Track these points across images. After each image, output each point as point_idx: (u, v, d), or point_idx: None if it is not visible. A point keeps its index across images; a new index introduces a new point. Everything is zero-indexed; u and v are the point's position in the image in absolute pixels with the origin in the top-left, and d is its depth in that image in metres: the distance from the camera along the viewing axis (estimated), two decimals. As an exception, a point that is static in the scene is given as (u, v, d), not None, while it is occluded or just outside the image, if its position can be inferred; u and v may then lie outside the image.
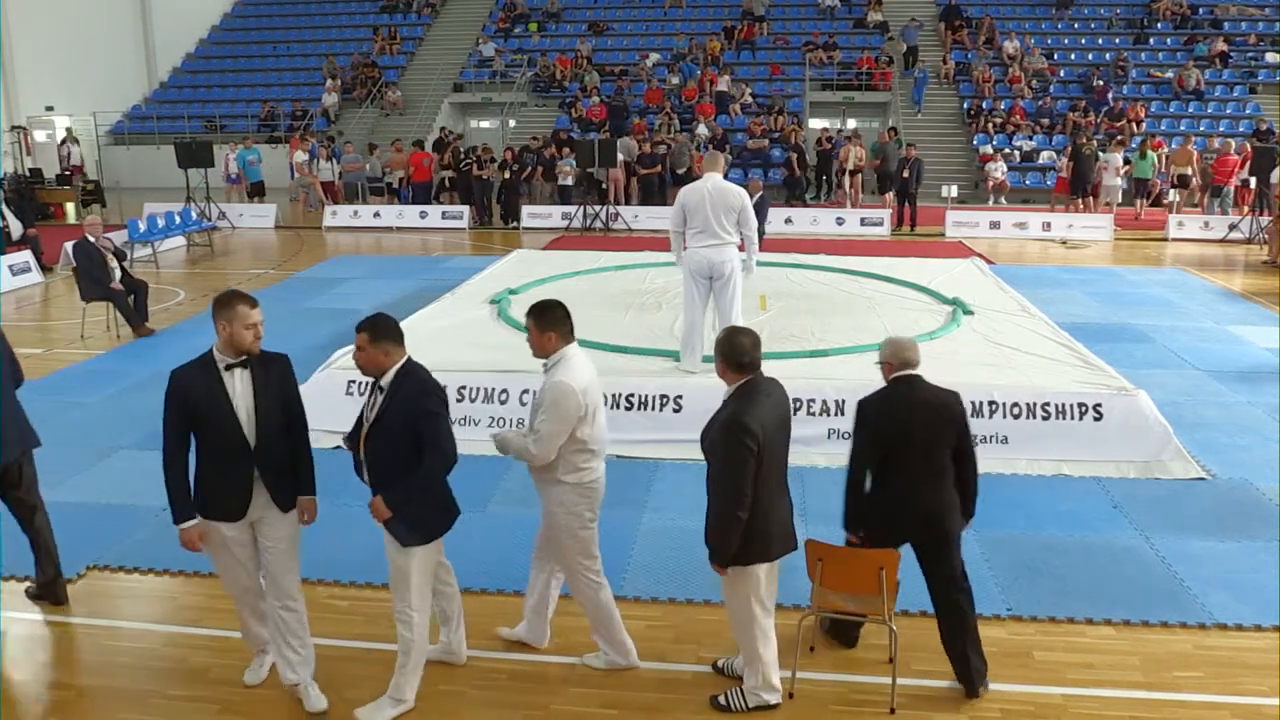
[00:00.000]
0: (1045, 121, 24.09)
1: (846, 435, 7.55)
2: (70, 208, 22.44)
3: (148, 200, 20.79)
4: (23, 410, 5.40)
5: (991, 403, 7.56)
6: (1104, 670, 4.83)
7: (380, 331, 4.26)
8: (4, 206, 15.83)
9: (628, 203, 20.73)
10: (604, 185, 20.38)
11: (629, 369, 8.28)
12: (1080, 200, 19.98)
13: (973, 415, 7.44)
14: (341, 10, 31.93)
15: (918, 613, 5.34)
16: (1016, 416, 7.52)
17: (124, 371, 9.80)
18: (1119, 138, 21.51)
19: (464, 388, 7.95)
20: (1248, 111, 23.95)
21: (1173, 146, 21.46)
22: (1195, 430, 7.99)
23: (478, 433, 7.76)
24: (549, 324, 4.47)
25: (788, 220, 19.13)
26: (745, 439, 4.06)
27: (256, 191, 22.16)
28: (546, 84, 27.32)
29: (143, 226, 16.64)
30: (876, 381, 7.79)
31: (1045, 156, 23.03)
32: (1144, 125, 23.53)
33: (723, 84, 25.41)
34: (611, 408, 7.79)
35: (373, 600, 5.50)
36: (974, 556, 5.95)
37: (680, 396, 7.79)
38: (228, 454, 4.26)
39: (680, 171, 20.72)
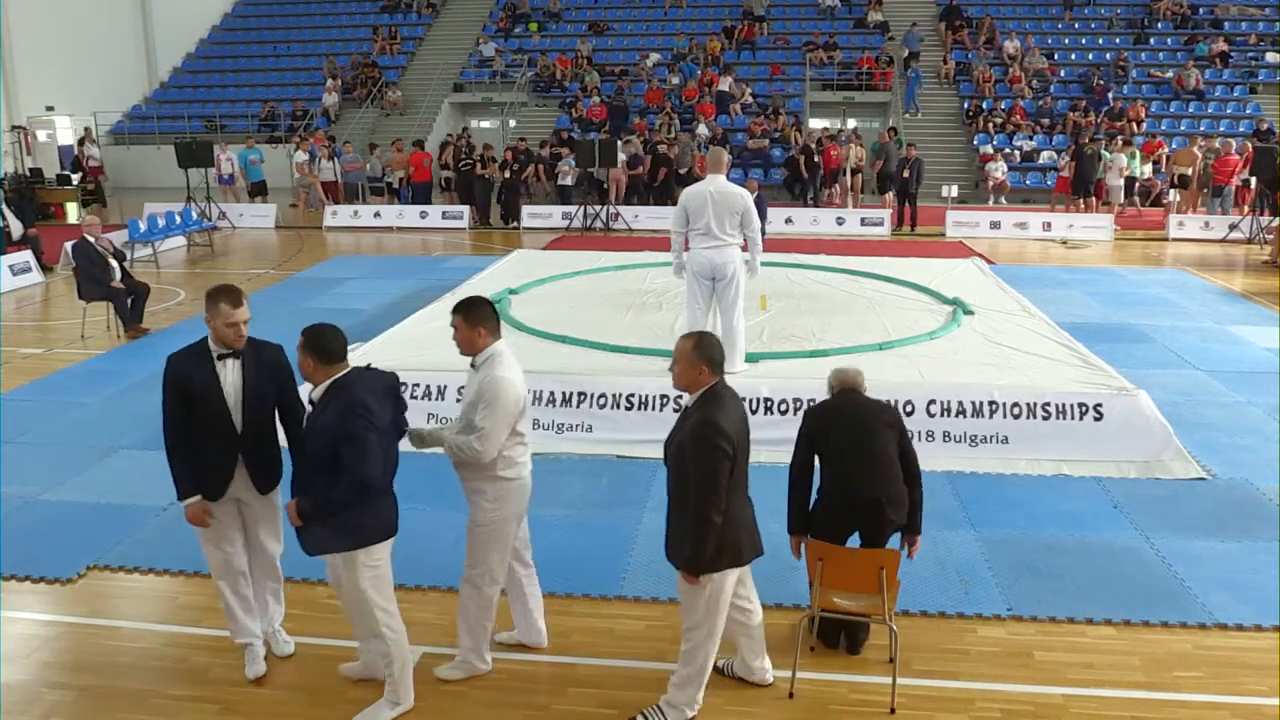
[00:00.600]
0: (1045, 121, 24.09)
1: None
2: (71, 208, 22.44)
3: (148, 200, 20.80)
4: None
5: (992, 403, 7.56)
6: (1104, 670, 4.83)
7: (315, 347, 4.22)
8: (4, 206, 15.83)
9: (637, 202, 20.75)
10: (605, 185, 20.38)
11: (629, 369, 8.28)
12: (1082, 200, 19.97)
13: (973, 415, 7.52)
14: (341, 10, 31.93)
15: (918, 613, 5.35)
16: (1017, 416, 7.52)
17: (124, 371, 9.81)
18: (1123, 138, 21.50)
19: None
20: (1248, 111, 23.94)
21: (1174, 146, 21.47)
22: (1195, 430, 7.98)
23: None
24: (478, 319, 4.43)
25: (788, 220, 19.12)
26: (721, 442, 4.02)
27: (258, 191, 22.17)
28: (547, 84, 27.33)
29: (143, 226, 16.64)
30: (877, 381, 7.83)
31: (1045, 156, 23.04)
32: (1144, 125, 23.52)
33: (723, 84, 25.41)
34: (612, 408, 7.80)
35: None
36: (974, 556, 5.96)
37: (681, 397, 7.77)
38: (214, 437, 4.46)
39: (682, 171, 20.73)
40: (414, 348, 8.96)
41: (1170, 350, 10.44)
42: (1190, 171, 20.00)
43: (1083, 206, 19.92)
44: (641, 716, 4.39)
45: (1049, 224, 18.91)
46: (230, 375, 4.45)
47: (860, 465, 4.73)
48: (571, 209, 19.88)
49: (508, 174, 20.47)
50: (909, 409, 7.57)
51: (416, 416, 7.84)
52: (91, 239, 11.14)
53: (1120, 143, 20.98)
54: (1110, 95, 24.33)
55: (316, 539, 4.22)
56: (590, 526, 6.41)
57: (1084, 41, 27.24)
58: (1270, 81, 24.96)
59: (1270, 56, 25.61)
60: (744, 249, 8.11)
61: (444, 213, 20.25)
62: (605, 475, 7.20)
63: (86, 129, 25.87)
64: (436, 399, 7.93)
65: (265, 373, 4.54)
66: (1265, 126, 21.53)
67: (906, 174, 19.15)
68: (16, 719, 4.51)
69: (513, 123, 25.86)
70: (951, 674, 4.79)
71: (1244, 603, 5.41)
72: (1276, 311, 12.22)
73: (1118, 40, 27.13)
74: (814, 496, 4.88)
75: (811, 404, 7.57)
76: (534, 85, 27.39)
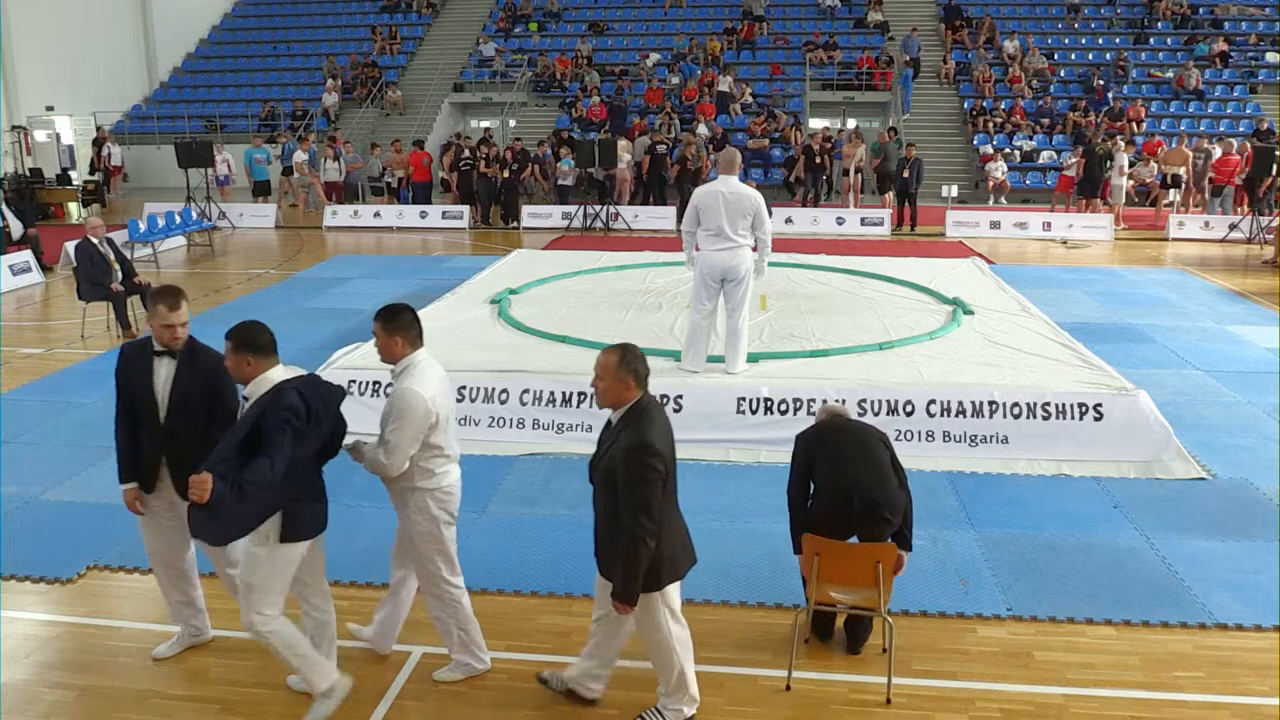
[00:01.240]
0: (1046, 121, 24.10)
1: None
2: (72, 207, 22.45)
3: (148, 200, 20.80)
4: None
5: (992, 403, 7.56)
6: (1104, 670, 4.83)
7: (243, 341, 4.22)
8: (4, 206, 15.83)
9: (644, 202, 20.74)
10: (608, 185, 20.37)
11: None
12: (1088, 200, 19.95)
13: (973, 415, 7.52)
14: (341, 10, 31.93)
15: (918, 613, 5.35)
16: (1017, 416, 7.52)
17: (124, 371, 9.80)
18: (1123, 138, 21.50)
19: (464, 387, 7.95)
20: (1248, 111, 23.95)
21: (1173, 146, 21.46)
22: (1196, 430, 7.98)
23: (478, 433, 7.78)
24: (396, 328, 4.36)
25: (788, 220, 19.12)
26: (654, 461, 3.88)
27: (262, 190, 22.16)
28: (547, 84, 27.33)
29: (143, 226, 16.64)
30: (877, 381, 7.84)
31: (1045, 156, 23.04)
32: (1144, 125, 23.52)
33: (723, 84, 25.41)
34: (612, 408, 7.79)
35: (373, 600, 5.48)
36: (974, 556, 5.96)
37: (680, 396, 7.78)
38: (145, 429, 4.60)
39: (692, 170, 20.67)
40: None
41: (1170, 350, 10.44)
42: (1183, 171, 20.00)
43: (1089, 206, 19.90)
44: (641, 718, 4.39)
45: (1049, 224, 18.91)
46: (163, 373, 4.55)
47: (858, 470, 4.73)
48: (571, 209, 19.88)
49: (507, 174, 20.47)
50: (909, 409, 7.58)
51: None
52: (95, 240, 11.13)
53: (1128, 143, 20.95)
54: (1110, 95, 24.33)
55: (225, 520, 4.07)
56: (590, 526, 6.31)
57: (1084, 41, 27.25)
58: (1270, 81, 24.96)
59: (1270, 56, 25.62)
60: (753, 249, 8.10)
61: (444, 213, 20.26)
62: (605, 475, 7.20)
63: (100, 128, 25.93)
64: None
65: (196, 375, 4.59)
66: (1265, 126, 21.54)
67: (907, 174, 19.14)
68: (16, 719, 4.51)
69: (513, 123, 25.86)
70: (951, 674, 4.80)
71: (1244, 603, 5.41)
72: (1276, 311, 12.22)
73: (1118, 40, 27.14)
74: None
75: (813, 401, 7.65)
76: (534, 85, 27.39)
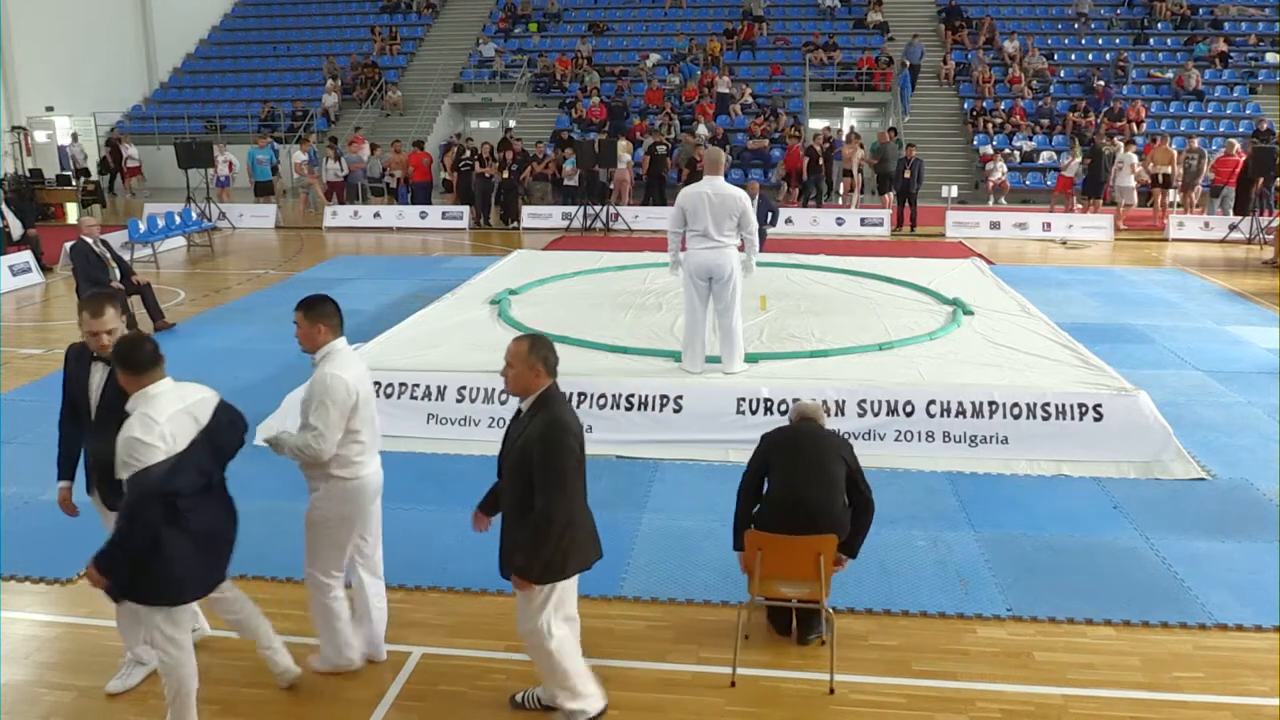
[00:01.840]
0: (1045, 122, 24.10)
1: (847, 435, 7.58)
2: (71, 208, 22.44)
3: (149, 200, 20.79)
4: None
5: (991, 403, 7.56)
6: (1104, 671, 4.82)
7: (120, 357, 4.10)
8: (4, 206, 15.82)
9: (644, 203, 20.75)
10: (609, 186, 20.38)
11: (629, 369, 8.28)
12: (1093, 200, 19.95)
13: (973, 415, 7.52)
14: (341, 10, 31.93)
15: (918, 613, 5.35)
16: (1016, 417, 7.51)
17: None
18: (1122, 138, 21.50)
19: (464, 388, 7.95)
20: (1248, 112, 23.95)
21: (1172, 146, 21.46)
22: (1195, 430, 7.98)
23: (478, 433, 7.77)
24: (318, 316, 4.41)
25: (788, 220, 19.11)
26: (571, 442, 3.92)
27: (264, 191, 22.17)
28: (546, 84, 27.33)
29: (143, 227, 16.64)
30: (877, 382, 7.84)
31: (1045, 157, 23.04)
32: (1144, 125, 23.53)
33: (723, 84, 25.41)
34: (612, 408, 7.80)
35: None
36: (974, 557, 5.96)
37: (680, 397, 7.78)
38: (82, 430, 4.59)
39: (687, 170, 20.73)
40: (414, 348, 8.96)
41: (1170, 350, 10.44)
42: (1170, 170, 20.00)
43: (1094, 207, 19.88)
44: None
45: (1049, 224, 18.92)
46: (97, 377, 4.53)
47: (809, 486, 4.78)
48: (571, 209, 19.89)
49: (506, 174, 20.48)
50: (909, 409, 7.58)
51: (416, 417, 7.86)
52: (90, 240, 11.12)
53: (1121, 144, 20.95)
54: (1110, 95, 24.33)
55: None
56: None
57: (1084, 42, 27.25)
58: (1270, 82, 24.96)
59: (1270, 57, 25.62)
60: (741, 249, 8.10)
61: (444, 213, 20.25)
62: (605, 476, 7.20)
63: (114, 129, 25.91)
64: (436, 399, 7.93)
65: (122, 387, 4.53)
66: (1265, 127, 21.54)
67: (908, 174, 19.15)
68: (16, 719, 4.51)
69: (512, 123, 25.87)
70: (951, 674, 4.80)
71: (1244, 603, 5.41)
72: (1276, 311, 12.21)
73: (1117, 40, 27.14)
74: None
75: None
76: (534, 86, 27.39)
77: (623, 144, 21.41)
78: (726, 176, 8.25)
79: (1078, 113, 23.92)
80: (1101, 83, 24.66)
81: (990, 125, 24.03)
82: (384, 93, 27.37)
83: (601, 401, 7.81)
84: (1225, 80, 25.28)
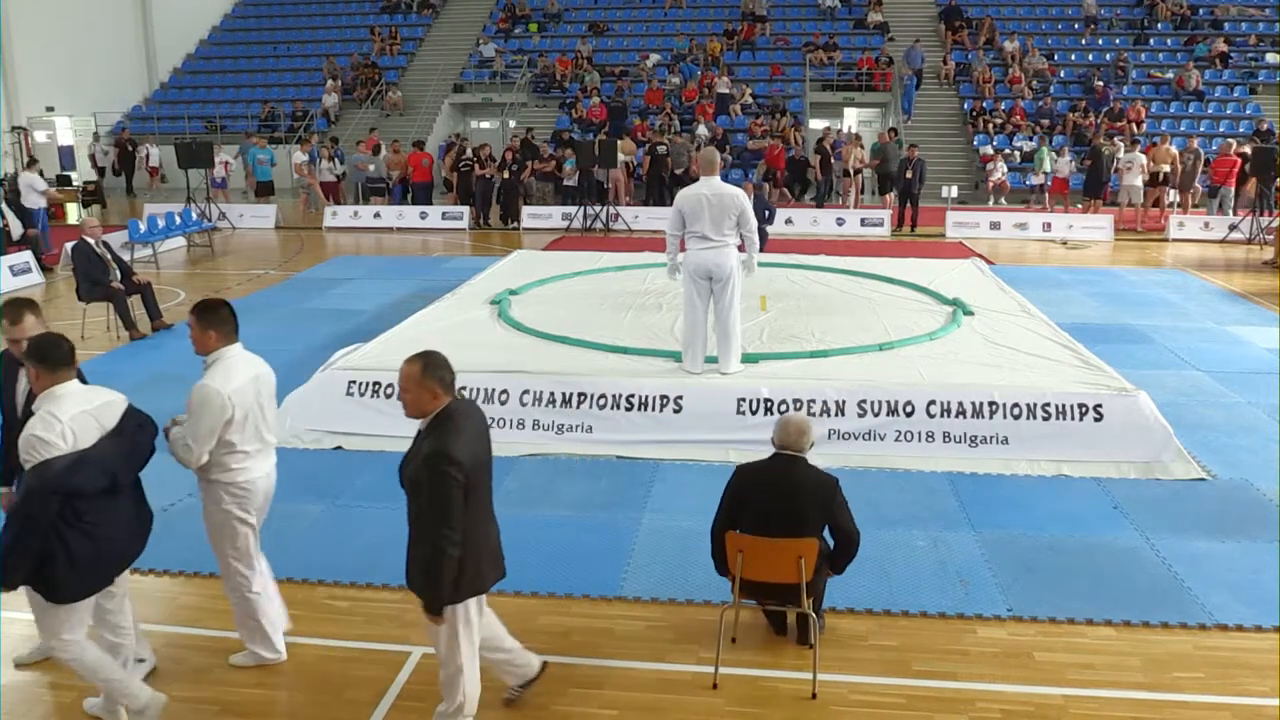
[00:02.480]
0: (1046, 122, 24.10)
1: (847, 436, 7.61)
2: (72, 208, 22.44)
3: (148, 201, 20.79)
4: None
5: (992, 403, 7.56)
6: (1104, 671, 4.82)
7: (33, 353, 4.09)
8: (4, 206, 15.83)
9: (644, 203, 20.75)
10: (606, 186, 20.39)
11: (629, 369, 8.28)
12: (1094, 201, 19.93)
13: (973, 416, 7.52)
14: (341, 11, 31.95)
15: (918, 613, 5.35)
16: (1017, 417, 7.51)
17: (123, 372, 9.78)
18: (1126, 139, 21.50)
19: (464, 388, 7.92)
20: (1248, 112, 23.95)
21: (1173, 146, 21.45)
22: (1196, 431, 7.98)
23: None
24: (209, 322, 4.45)
25: (788, 220, 19.12)
26: (452, 470, 3.78)
27: (265, 191, 22.16)
28: (547, 84, 27.33)
29: (143, 227, 16.64)
30: (877, 382, 7.83)
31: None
32: (1145, 126, 23.53)
33: (723, 85, 25.41)
34: (611, 408, 7.80)
35: (373, 601, 5.50)
36: (974, 557, 5.96)
37: (680, 397, 7.78)
38: (12, 434, 4.59)
39: (679, 171, 20.76)
40: (414, 348, 8.85)
41: (1170, 351, 10.44)
42: (1167, 168, 19.98)
43: (1095, 207, 19.87)
44: None
45: (1049, 224, 18.92)
46: (22, 384, 4.55)
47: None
48: (571, 209, 19.89)
49: (506, 174, 20.48)
50: (909, 410, 7.58)
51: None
52: (91, 240, 11.13)
53: (1122, 145, 20.94)
54: (1110, 96, 24.33)
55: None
56: (590, 527, 6.41)
57: (1084, 42, 27.25)
58: (1270, 82, 24.97)
59: (1270, 57, 25.62)
60: (741, 249, 8.11)
61: (444, 213, 20.25)
62: (605, 476, 7.21)
63: (124, 128, 25.91)
64: (436, 399, 7.92)
65: None
66: (1265, 127, 21.54)
67: (909, 175, 19.15)
68: (16, 720, 4.51)
69: (513, 123, 25.89)
70: (951, 675, 4.80)
71: (1244, 603, 5.41)
72: (1276, 312, 12.21)
73: (1118, 40, 27.14)
74: None
75: (813, 402, 7.66)
76: (534, 86, 27.40)
77: (625, 145, 21.43)
78: (725, 177, 8.24)
79: (1077, 113, 23.92)
80: (1101, 83, 24.66)
81: (990, 125, 24.04)
82: (384, 93, 27.37)
83: (601, 402, 7.80)
84: (1225, 80, 25.29)
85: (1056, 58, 26.60)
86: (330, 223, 20.20)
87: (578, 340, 9.04)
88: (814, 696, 4.61)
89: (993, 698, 4.62)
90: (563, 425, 7.79)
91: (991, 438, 7.48)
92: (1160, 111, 24.50)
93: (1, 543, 3.89)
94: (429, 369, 3.94)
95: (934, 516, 6.50)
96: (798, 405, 7.61)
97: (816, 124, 25.46)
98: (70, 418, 3.98)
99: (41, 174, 18.23)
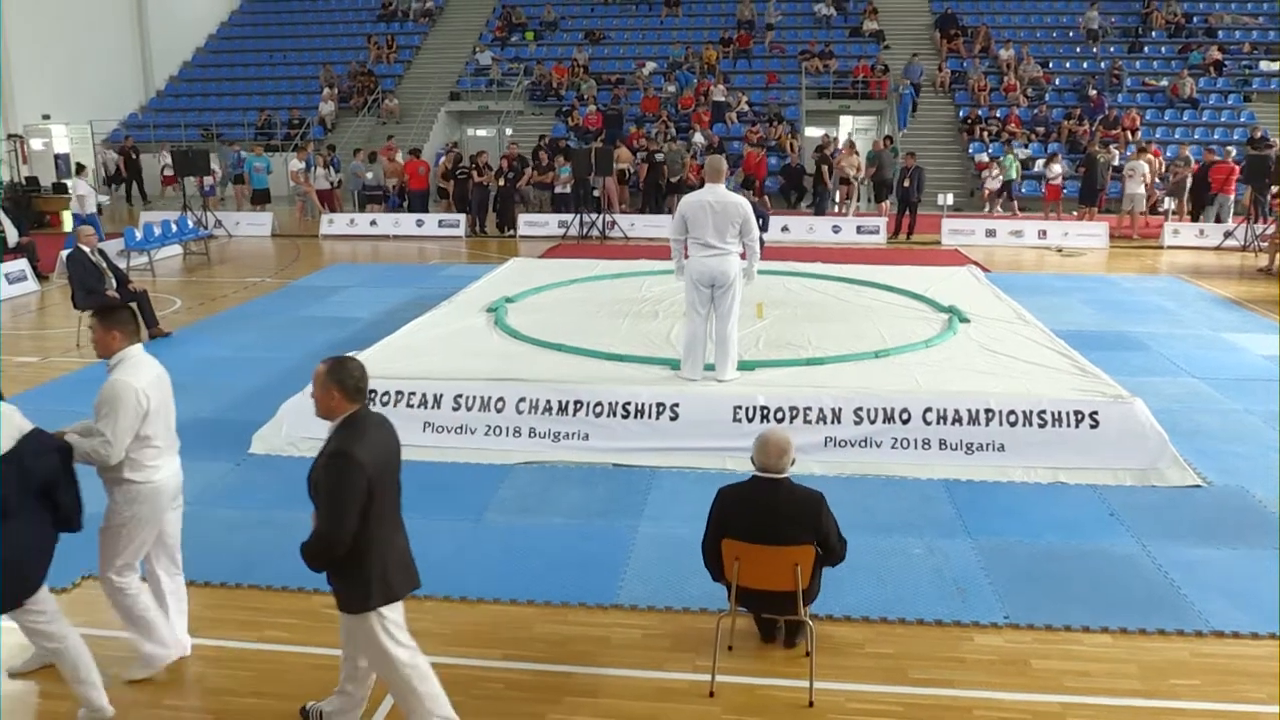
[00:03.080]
0: (1041, 130, 24.17)
1: (843, 443, 7.60)
2: (67, 216, 22.41)
3: (144, 208, 20.77)
4: None
5: (988, 410, 7.56)
6: (1101, 678, 4.82)
7: None
8: (1, 214, 15.82)
9: (640, 211, 20.79)
10: (596, 193, 20.41)
11: (625, 377, 8.27)
12: (1089, 208, 19.96)
13: (969, 423, 7.52)
14: (338, 19, 32.00)
15: (915, 621, 5.34)
16: (1013, 424, 7.52)
17: (120, 380, 9.78)
18: (1121, 147, 21.56)
19: (460, 396, 7.94)
20: (1242, 120, 24.05)
21: (1168, 154, 21.54)
22: (1192, 438, 7.99)
23: (474, 440, 7.77)
24: (112, 323, 4.56)
25: (784, 228, 19.16)
26: (351, 471, 3.76)
27: (261, 199, 22.16)
28: (543, 92, 27.38)
29: (139, 235, 16.63)
30: (873, 389, 7.83)
31: (1040, 165, 23.07)
32: (1140, 134, 23.60)
33: (718, 93, 25.47)
34: (608, 416, 7.79)
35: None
36: (971, 564, 5.95)
37: (677, 404, 7.78)
38: None
39: (674, 179, 20.79)
40: (410, 355, 8.95)
41: (1166, 358, 10.46)
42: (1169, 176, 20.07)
43: (1091, 215, 19.91)
44: None
45: (1044, 231, 18.96)
46: None
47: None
48: (568, 217, 19.90)
49: (503, 181, 20.49)
50: (905, 417, 7.58)
51: (412, 425, 7.83)
52: (87, 249, 11.12)
53: (1138, 150, 20.94)
54: (1105, 103, 24.41)
55: None
56: (586, 535, 6.40)
57: (1079, 50, 27.35)
58: (1264, 90, 25.08)
59: (1264, 65, 25.74)
60: (742, 256, 8.12)
61: (440, 221, 20.27)
62: (601, 483, 7.20)
63: (128, 138, 25.89)
64: (433, 407, 7.92)
65: None
66: (1259, 134, 21.61)
67: (908, 183, 19.18)
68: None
69: (509, 131, 25.92)
70: (948, 682, 4.79)
71: (1241, 610, 5.41)
72: (1274, 320, 12.24)
73: (1112, 49, 27.24)
74: None
75: (809, 410, 7.66)
76: (530, 94, 27.44)
77: (622, 153, 21.44)
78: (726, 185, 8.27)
79: (1072, 121, 23.99)
80: (1096, 91, 24.74)
81: (985, 133, 24.09)
82: (380, 101, 27.40)
83: (598, 409, 7.80)
84: (1220, 88, 25.40)
85: (1051, 65, 26.69)
86: (327, 230, 20.20)
87: (574, 348, 9.04)
88: (811, 705, 4.60)
89: (990, 705, 4.62)
90: (559, 433, 7.79)
91: (988, 445, 7.48)
92: (1155, 119, 24.58)
93: None
94: (332, 372, 3.90)
95: (930, 524, 6.50)
96: (794, 412, 7.61)
97: (812, 131, 25.52)
98: None
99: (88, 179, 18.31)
